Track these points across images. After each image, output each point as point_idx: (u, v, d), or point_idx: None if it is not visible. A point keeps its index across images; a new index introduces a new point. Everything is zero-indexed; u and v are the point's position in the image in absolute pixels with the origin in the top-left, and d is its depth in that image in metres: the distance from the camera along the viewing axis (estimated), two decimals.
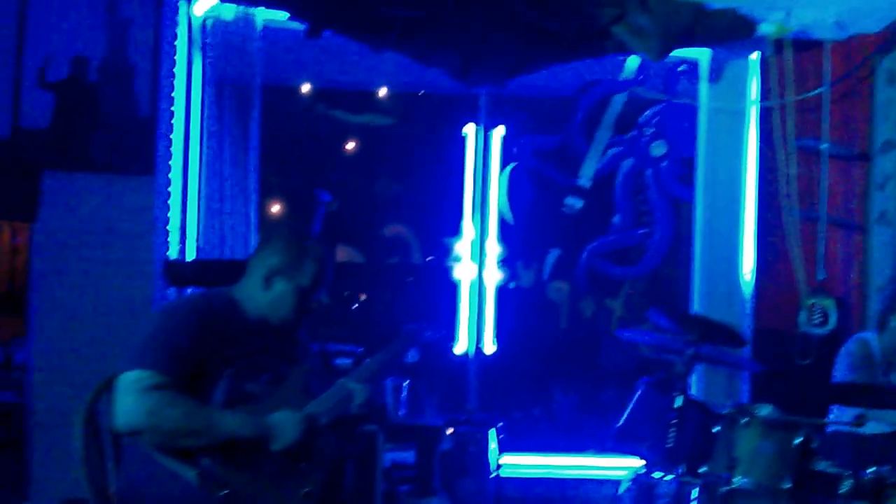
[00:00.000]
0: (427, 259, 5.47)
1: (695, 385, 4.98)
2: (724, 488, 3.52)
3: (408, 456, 4.97)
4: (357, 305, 4.83)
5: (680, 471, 3.70)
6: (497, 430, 5.00)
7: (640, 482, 4.65)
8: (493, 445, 4.96)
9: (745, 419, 3.59)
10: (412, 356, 3.01)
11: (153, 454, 2.54)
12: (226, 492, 2.46)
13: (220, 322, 2.68)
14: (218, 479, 2.47)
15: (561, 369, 6.01)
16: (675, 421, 3.60)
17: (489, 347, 5.47)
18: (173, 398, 2.49)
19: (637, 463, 5.24)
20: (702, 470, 3.69)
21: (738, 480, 3.55)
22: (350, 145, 6.12)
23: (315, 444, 2.63)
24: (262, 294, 2.76)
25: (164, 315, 2.72)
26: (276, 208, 5.18)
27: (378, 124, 5.96)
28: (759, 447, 3.56)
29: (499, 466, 4.97)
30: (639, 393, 3.97)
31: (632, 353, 5.96)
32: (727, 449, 3.57)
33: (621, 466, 5.36)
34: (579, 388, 6.04)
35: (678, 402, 3.61)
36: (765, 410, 3.63)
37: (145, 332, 2.64)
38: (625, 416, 3.97)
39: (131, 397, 2.47)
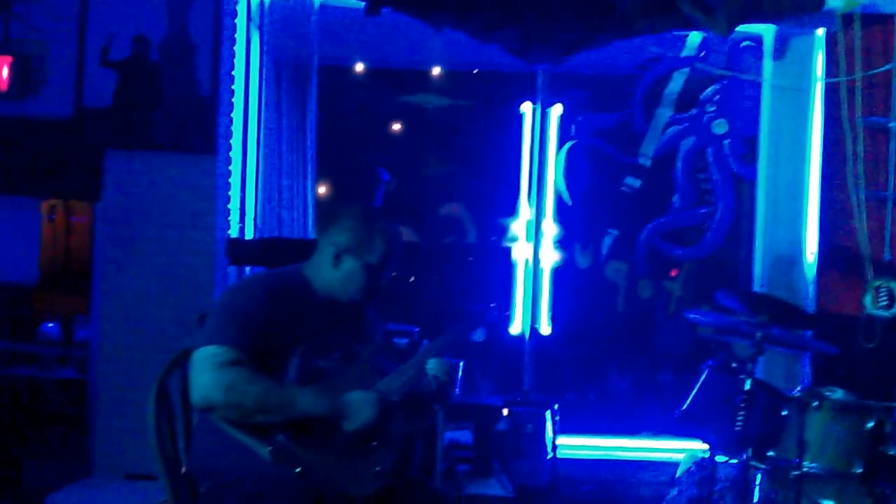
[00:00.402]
0: (484, 240, 5.43)
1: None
2: (794, 473, 3.45)
3: (463, 435, 4.96)
4: (408, 285, 4.80)
5: (747, 455, 3.63)
6: (553, 411, 4.97)
7: (702, 466, 4.59)
8: (549, 427, 4.93)
9: (816, 402, 3.52)
10: (480, 336, 2.96)
11: (226, 430, 2.53)
12: (299, 469, 2.45)
13: (291, 299, 2.67)
14: (292, 456, 2.46)
15: (617, 351, 5.95)
16: (743, 404, 3.52)
17: (545, 329, 5.43)
18: (250, 374, 2.47)
19: (695, 446, 5.18)
20: (769, 454, 3.63)
21: (807, 465, 3.49)
22: (406, 125, 6.08)
23: (387, 422, 2.61)
24: (331, 272, 2.74)
25: (237, 291, 2.70)
26: (337, 186, 5.19)
27: (434, 104, 5.92)
28: (830, 431, 3.50)
29: (554, 448, 4.95)
30: (703, 376, 3.89)
31: (689, 335, 5.88)
32: (797, 433, 3.50)
33: (678, 449, 5.30)
34: (635, 370, 5.98)
35: (747, 384, 3.53)
36: (836, 394, 3.56)
37: (219, 308, 2.64)
38: (689, 399, 3.89)
39: (208, 373, 2.46)
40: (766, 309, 3.59)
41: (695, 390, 3.87)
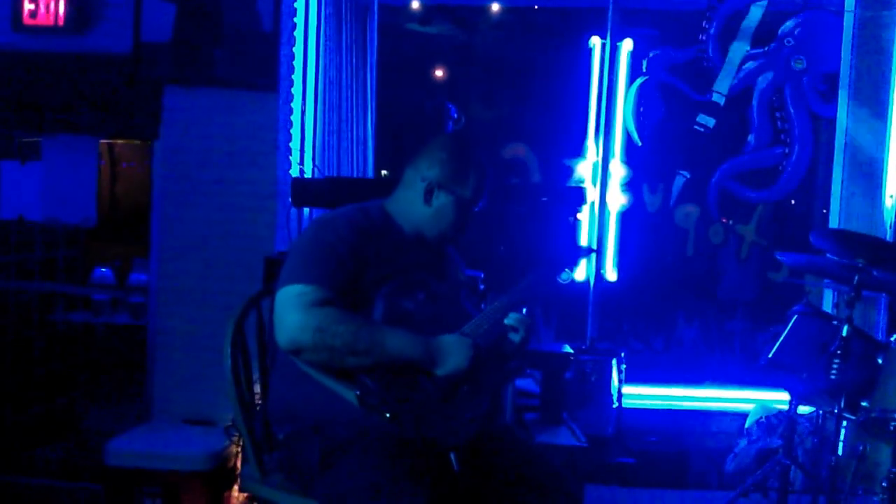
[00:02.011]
0: (553, 181, 5.26)
1: None
2: (894, 424, 3.27)
3: (527, 383, 4.84)
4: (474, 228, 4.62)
5: (839, 405, 3.45)
6: (618, 360, 4.84)
7: (781, 417, 4.43)
8: (614, 376, 4.81)
9: None
10: (567, 277, 2.80)
11: (310, 373, 2.40)
12: (389, 415, 2.31)
13: (376, 236, 2.51)
14: (380, 401, 2.32)
15: (685, 298, 5.77)
16: (839, 352, 3.34)
17: (610, 274, 5.27)
18: (341, 314, 2.32)
19: (764, 396, 5.03)
20: (863, 404, 3.45)
21: None
22: (467, 63, 5.88)
23: (478, 368, 2.46)
24: (421, 208, 2.58)
25: (322, 227, 2.51)
26: (403, 124, 5.02)
27: (498, 39, 5.70)
28: None
29: (620, 397, 4.82)
30: (792, 322, 3.71)
31: (759, 282, 5.69)
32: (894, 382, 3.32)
33: (746, 399, 5.16)
34: (703, 318, 5.81)
35: (844, 331, 3.34)
36: None
37: (303, 245, 2.48)
38: (776, 346, 3.72)
39: (296, 313, 2.30)
40: (863, 250, 3.37)
41: (783, 337, 3.69)
